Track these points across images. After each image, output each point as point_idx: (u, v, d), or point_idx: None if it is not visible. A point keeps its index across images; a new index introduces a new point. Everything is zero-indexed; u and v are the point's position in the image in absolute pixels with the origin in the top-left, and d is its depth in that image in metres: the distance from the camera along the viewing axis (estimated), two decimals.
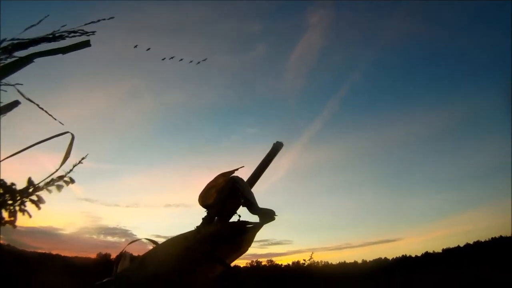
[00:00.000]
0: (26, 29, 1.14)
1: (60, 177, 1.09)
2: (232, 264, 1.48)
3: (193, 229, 1.42)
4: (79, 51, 1.20)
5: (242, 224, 1.41)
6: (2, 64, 1.09)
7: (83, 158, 1.16)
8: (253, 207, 1.42)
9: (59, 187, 1.08)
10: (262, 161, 1.53)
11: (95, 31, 1.17)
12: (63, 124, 1.18)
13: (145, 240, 1.50)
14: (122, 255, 1.49)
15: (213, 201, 1.46)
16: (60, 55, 1.17)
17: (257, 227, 1.41)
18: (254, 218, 1.42)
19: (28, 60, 1.14)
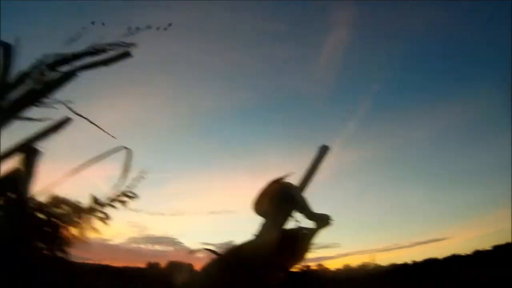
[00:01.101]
0: (67, 43, 1.18)
1: (124, 193, 1.12)
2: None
3: (251, 238, 1.43)
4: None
5: (298, 231, 1.39)
6: (47, 80, 1.13)
7: (143, 173, 1.18)
8: (307, 213, 1.40)
9: (124, 203, 1.11)
10: (310, 165, 1.50)
11: (135, 43, 1.21)
12: (116, 138, 1.22)
13: (204, 250, 1.52)
14: (177, 265, 1.51)
15: (268, 209, 1.45)
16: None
17: (313, 233, 1.39)
18: (309, 223, 1.41)
19: (72, 74, 1.18)
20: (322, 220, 1.42)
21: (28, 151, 0.97)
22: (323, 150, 1.50)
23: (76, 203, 1.07)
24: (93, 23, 1.18)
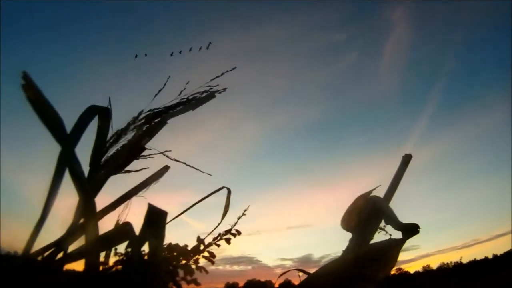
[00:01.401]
0: (155, 95, 1.25)
1: (227, 231, 1.16)
2: None
3: (341, 253, 1.44)
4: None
5: (387, 242, 1.39)
6: (141, 134, 1.21)
7: (245, 210, 1.22)
8: (395, 224, 1.40)
9: (228, 240, 1.15)
10: (395, 175, 1.50)
11: (226, 88, 1.25)
12: (211, 175, 1.27)
13: (294, 270, 1.53)
14: (255, 284, 1.54)
15: (356, 223, 1.45)
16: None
17: (401, 243, 1.37)
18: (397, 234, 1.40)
19: (163, 123, 1.25)
20: (410, 230, 1.40)
21: (152, 212, 1.03)
22: (406, 159, 1.49)
23: (183, 247, 1.12)
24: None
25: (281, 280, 1.59)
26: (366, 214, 1.42)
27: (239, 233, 1.18)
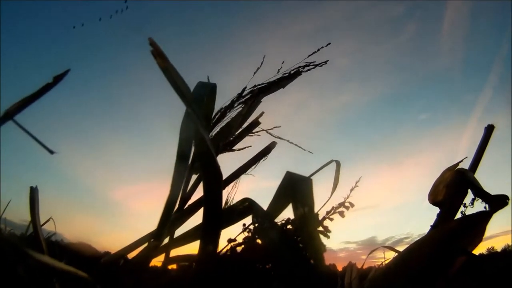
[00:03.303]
0: (254, 73, 1.23)
1: (341, 204, 1.14)
2: None
3: (429, 230, 1.44)
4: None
5: (476, 215, 1.38)
6: (244, 111, 1.19)
7: (357, 182, 1.20)
8: (483, 196, 1.39)
9: (342, 213, 1.14)
10: (478, 147, 1.49)
11: (327, 60, 1.23)
12: (312, 153, 1.25)
13: (382, 248, 1.53)
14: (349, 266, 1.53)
15: (444, 197, 1.45)
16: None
17: (489, 215, 1.37)
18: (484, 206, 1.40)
19: (258, 101, 1.24)
20: (499, 202, 1.39)
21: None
22: (489, 130, 1.48)
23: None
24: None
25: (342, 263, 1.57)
26: (453, 186, 1.42)
27: (352, 205, 1.16)
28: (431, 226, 1.42)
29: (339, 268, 1.63)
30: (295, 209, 0.93)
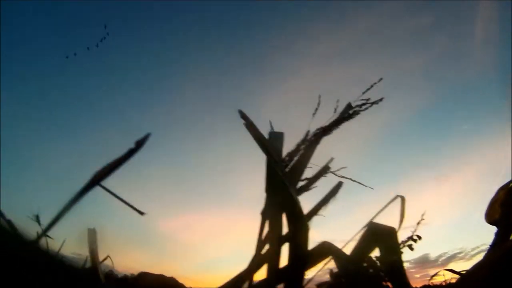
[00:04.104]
0: (313, 114, 1.28)
1: (409, 238, 1.18)
2: None
3: (488, 249, 1.46)
4: None
5: None
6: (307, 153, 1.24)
7: (423, 215, 1.24)
8: None
9: (410, 247, 1.17)
10: None
11: (383, 98, 1.27)
12: (373, 189, 1.29)
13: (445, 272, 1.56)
14: None
15: (500, 216, 1.47)
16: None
17: None
18: None
19: (318, 142, 1.28)
20: None
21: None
22: None
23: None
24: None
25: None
26: (508, 205, 1.45)
27: (419, 238, 1.20)
28: (489, 245, 1.45)
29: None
30: (383, 258, 0.99)
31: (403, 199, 1.26)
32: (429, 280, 1.59)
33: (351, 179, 1.25)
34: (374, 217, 1.23)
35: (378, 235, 1.01)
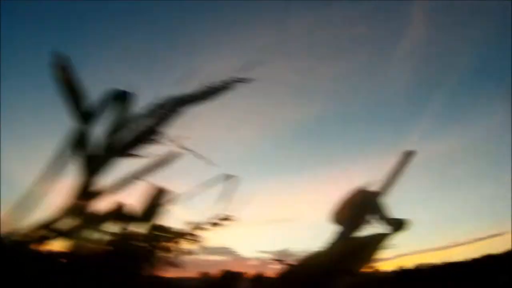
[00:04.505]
0: (177, 83, 1.28)
1: (223, 218, 1.23)
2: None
3: (327, 245, 1.50)
4: None
5: (371, 237, 1.44)
6: (158, 120, 1.26)
7: (246, 198, 1.29)
8: (384, 219, 1.45)
9: (220, 226, 1.22)
10: (393, 171, 1.50)
11: (253, 78, 1.28)
12: (217, 165, 1.33)
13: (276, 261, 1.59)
14: (229, 274, 1.58)
15: (346, 217, 1.51)
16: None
17: (386, 237, 1.43)
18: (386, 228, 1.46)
19: (180, 111, 1.30)
20: (398, 225, 1.45)
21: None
22: (407, 156, 1.50)
23: (178, 231, 1.19)
24: None
25: (254, 271, 1.63)
26: (358, 207, 1.49)
27: (232, 219, 1.24)
28: (328, 243, 1.48)
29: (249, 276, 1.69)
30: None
31: (233, 178, 1.30)
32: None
33: (191, 151, 1.27)
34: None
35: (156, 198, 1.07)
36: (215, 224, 1.22)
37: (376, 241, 1.43)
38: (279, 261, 1.49)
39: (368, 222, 1.47)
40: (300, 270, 1.39)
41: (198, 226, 1.25)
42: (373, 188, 1.54)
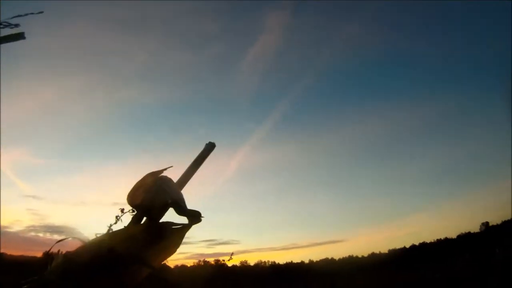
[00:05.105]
0: None
1: None
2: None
3: (121, 228, 1.39)
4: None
5: (169, 225, 1.38)
6: None
7: None
8: (180, 209, 1.40)
9: None
10: (193, 162, 1.52)
11: (18, 24, 1.10)
12: None
13: (73, 239, 1.42)
14: (55, 255, 1.41)
15: (141, 201, 1.41)
16: None
17: (185, 228, 1.38)
18: (183, 219, 1.41)
19: None
20: (194, 217, 1.43)
21: None
22: (209, 147, 1.53)
23: None
24: None
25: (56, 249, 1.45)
26: (153, 192, 1.41)
27: None
28: (124, 226, 1.38)
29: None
30: None
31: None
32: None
33: None
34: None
35: None
36: None
37: (176, 230, 1.39)
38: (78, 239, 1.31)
39: (163, 208, 1.41)
40: (84, 254, 1.24)
41: None
42: (169, 174, 1.49)
